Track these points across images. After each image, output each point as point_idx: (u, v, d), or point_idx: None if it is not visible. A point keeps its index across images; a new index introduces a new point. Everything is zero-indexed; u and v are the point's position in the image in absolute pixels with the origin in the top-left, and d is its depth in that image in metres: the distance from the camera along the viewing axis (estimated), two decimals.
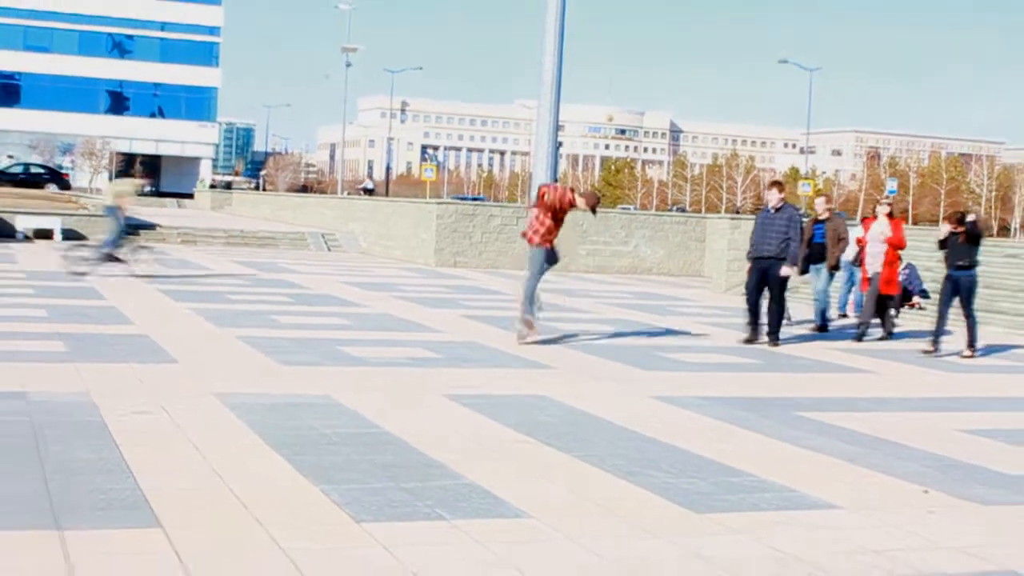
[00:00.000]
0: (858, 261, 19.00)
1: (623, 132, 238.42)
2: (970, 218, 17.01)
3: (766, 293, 16.95)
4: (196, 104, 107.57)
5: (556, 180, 39.64)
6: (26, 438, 8.28)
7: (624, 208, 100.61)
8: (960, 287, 16.64)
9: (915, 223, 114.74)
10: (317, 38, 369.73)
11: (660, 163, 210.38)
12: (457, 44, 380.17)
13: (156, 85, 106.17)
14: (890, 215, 19.01)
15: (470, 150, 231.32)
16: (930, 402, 12.85)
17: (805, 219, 18.82)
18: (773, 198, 17.07)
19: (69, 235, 36.57)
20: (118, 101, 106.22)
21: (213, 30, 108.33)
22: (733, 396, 12.21)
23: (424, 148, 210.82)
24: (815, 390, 13.18)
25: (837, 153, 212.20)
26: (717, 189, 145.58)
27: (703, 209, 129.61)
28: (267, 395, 10.70)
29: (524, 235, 15.98)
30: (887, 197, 20.51)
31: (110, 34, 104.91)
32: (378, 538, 6.35)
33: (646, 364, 14.38)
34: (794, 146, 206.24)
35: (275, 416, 9.65)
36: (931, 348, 16.76)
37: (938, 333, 16.81)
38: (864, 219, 20.94)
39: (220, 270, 27.46)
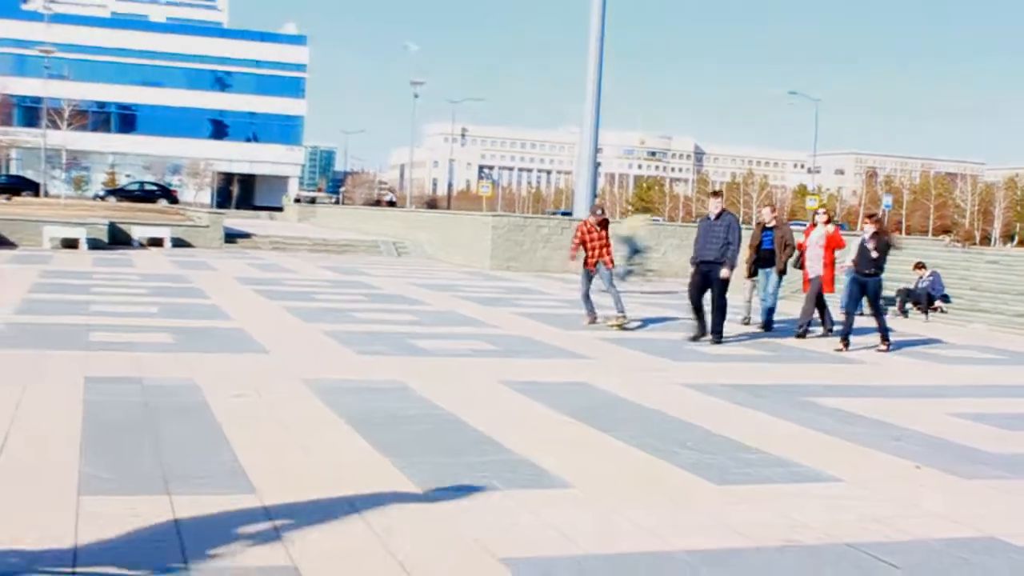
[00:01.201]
0: (799, 264, 18.21)
1: (653, 154, 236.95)
2: (878, 231, 16.12)
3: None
4: (285, 130, 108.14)
5: (596, 195, 39.66)
6: (141, 417, 8.39)
7: (654, 220, 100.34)
8: (868, 290, 16.06)
9: (908, 233, 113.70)
10: (389, 73, 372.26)
11: (685, 181, 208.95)
12: (510, 77, 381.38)
13: (251, 114, 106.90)
14: (828, 222, 17.98)
15: (521, 169, 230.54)
16: (921, 389, 12.74)
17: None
18: (713, 206, 16.25)
19: (177, 243, 36.95)
20: (219, 128, 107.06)
21: (300, 67, 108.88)
22: (748, 384, 12.14)
23: (481, 168, 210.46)
24: (819, 378, 13.08)
25: (840, 172, 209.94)
26: (735, 204, 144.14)
27: None
28: (347, 381, 10.75)
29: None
30: (823, 209, 19.33)
31: (212, 71, 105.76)
32: (439, 503, 6.39)
33: (673, 356, 14.32)
34: (802, 166, 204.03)
35: (353, 399, 9.70)
36: (842, 346, 15.91)
37: (847, 332, 16.09)
38: (807, 227, 19.90)
39: (318, 276, 27.64)
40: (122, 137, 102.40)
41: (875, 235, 15.94)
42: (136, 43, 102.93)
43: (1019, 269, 26.44)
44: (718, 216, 16.03)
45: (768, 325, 18.08)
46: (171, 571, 5.01)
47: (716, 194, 17.07)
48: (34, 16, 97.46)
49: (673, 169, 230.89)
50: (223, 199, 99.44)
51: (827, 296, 17.99)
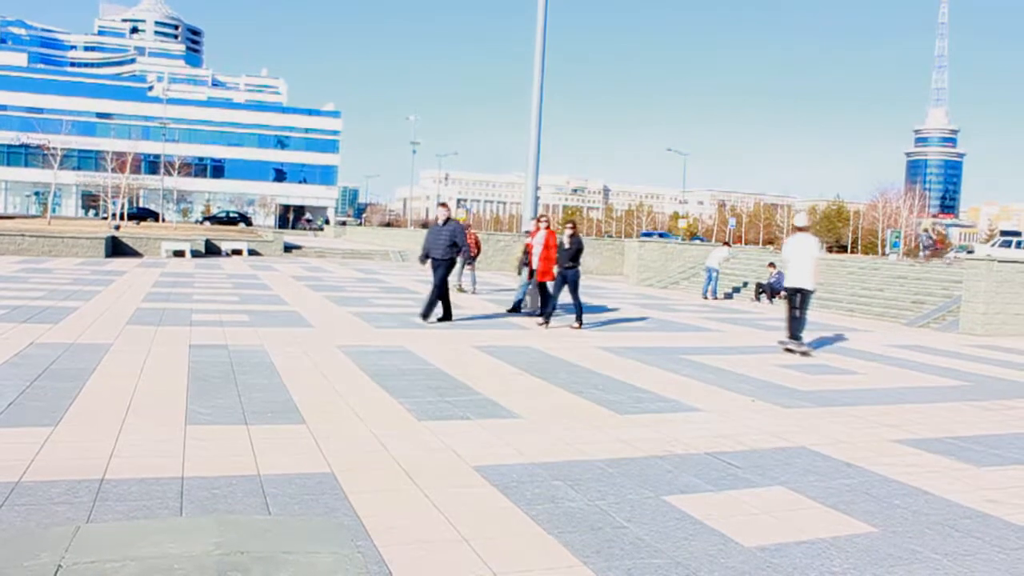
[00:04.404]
0: (527, 261, 15.61)
1: (575, 191, 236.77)
2: (574, 235, 14.15)
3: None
4: (325, 175, 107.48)
5: (535, 219, 39.61)
6: (227, 371, 8.29)
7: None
8: (568, 279, 14.09)
9: (746, 243, 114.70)
10: (396, 135, 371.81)
11: (598, 208, 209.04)
12: (479, 137, 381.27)
13: (302, 165, 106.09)
14: (547, 228, 14.68)
15: (485, 201, 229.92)
16: (756, 349, 12.83)
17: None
18: (441, 215, 14.06)
19: (251, 252, 36.52)
20: (280, 174, 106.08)
21: (335, 132, 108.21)
22: (640, 346, 12.20)
23: (459, 200, 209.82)
24: (689, 342, 13.15)
25: (700, 203, 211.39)
26: (631, 224, 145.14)
27: (623, 236, 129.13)
28: (367, 346, 10.68)
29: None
30: (544, 217, 15.63)
31: (275, 135, 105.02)
32: (430, 429, 6.36)
33: (589, 327, 14.36)
34: (676, 199, 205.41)
35: (372, 358, 9.64)
36: (545, 322, 13.97)
37: (550, 312, 14.17)
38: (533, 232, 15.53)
39: (347, 275, 27.41)
40: (214, 181, 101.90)
41: (571, 237, 14.14)
42: (224, 117, 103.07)
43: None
44: (444, 223, 13.96)
45: (517, 308, 16.15)
46: (247, 476, 4.95)
47: (443, 205, 14.52)
48: (156, 99, 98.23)
49: (589, 201, 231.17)
50: (282, 222, 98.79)
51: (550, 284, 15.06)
